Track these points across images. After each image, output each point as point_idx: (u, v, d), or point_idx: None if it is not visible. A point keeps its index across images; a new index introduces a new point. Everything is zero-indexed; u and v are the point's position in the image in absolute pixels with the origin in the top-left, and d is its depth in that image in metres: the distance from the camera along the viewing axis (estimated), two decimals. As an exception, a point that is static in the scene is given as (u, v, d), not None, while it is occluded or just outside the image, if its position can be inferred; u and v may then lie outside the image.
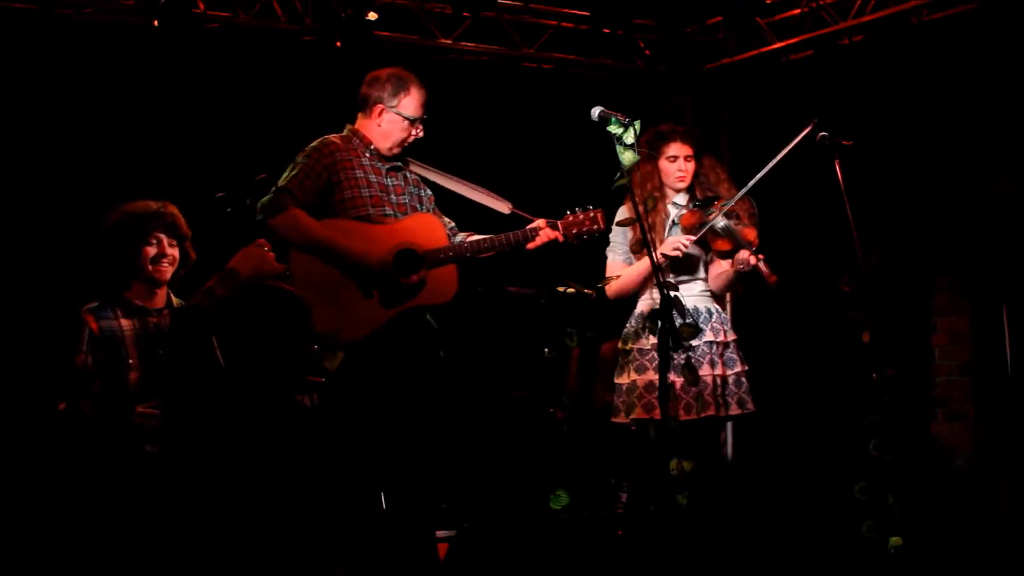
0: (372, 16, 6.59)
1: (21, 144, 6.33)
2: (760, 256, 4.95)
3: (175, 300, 4.69)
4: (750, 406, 5.14)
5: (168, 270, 4.56)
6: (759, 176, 5.01)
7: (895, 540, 4.71)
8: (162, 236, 4.54)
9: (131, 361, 4.45)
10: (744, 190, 5.06)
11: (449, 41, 7.16)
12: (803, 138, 4.97)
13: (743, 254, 4.97)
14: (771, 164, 4.99)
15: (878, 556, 4.74)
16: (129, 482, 4.31)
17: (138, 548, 4.27)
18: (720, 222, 5.00)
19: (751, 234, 5.02)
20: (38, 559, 4.45)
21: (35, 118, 6.36)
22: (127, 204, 4.59)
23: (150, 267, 4.52)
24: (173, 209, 4.61)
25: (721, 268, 5.14)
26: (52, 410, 4.43)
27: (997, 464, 6.47)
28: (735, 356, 5.16)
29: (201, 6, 6.51)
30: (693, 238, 5.03)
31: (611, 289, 5.20)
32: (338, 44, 6.65)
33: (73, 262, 5.74)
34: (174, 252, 4.56)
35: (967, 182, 6.62)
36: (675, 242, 5.02)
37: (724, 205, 5.03)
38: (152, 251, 4.52)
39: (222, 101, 6.68)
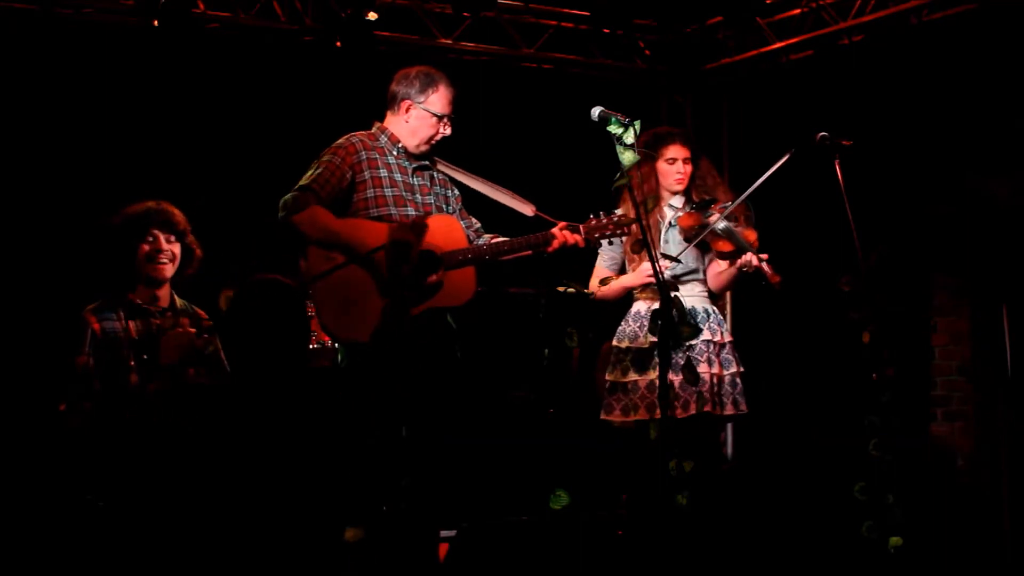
0: (372, 16, 6.59)
1: (21, 144, 6.33)
2: (764, 257, 4.95)
3: (179, 301, 4.69)
4: (743, 407, 5.14)
5: (167, 267, 4.55)
6: (757, 184, 5.00)
7: (895, 540, 4.71)
8: (158, 233, 4.54)
9: (132, 363, 4.45)
10: (743, 196, 5.04)
11: (449, 41, 7.16)
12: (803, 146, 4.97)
13: (747, 256, 4.97)
14: (770, 171, 4.99)
15: (878, 556, 4.74)
16: (129, 482, 4.31)
17: (138, 548, 4.27)
18: (720, 224, 5.00)
19: (752, 235, 5.02)
20: (38, 559, 4.45)
21: (35, 118, 6.37)
22: (125, 208, 4.59)
23: (147, 265, 4.52)
24: (168, 206, 4.60)
25: (720, 267, 5.14)
26: (53, 411, 4.44)
27: (997, 464, 6.47)
28: (731, 357, 5.16)
29: (201, 6, 6.51)
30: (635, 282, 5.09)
31: (597, 294, 5.22)
32: (338, 44, 6.65)
33: (75, 262, 5.75)
34: (172, 248, 4.56)
35: (967, 182, 6.62)
36: (644, 273, 5.07)
37: (726, 208, 5.03)
38: (147, 247, 4.52)
39: (222, 101, 6.69)
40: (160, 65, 6.55)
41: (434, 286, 4.57)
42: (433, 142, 4.76)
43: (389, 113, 4.79)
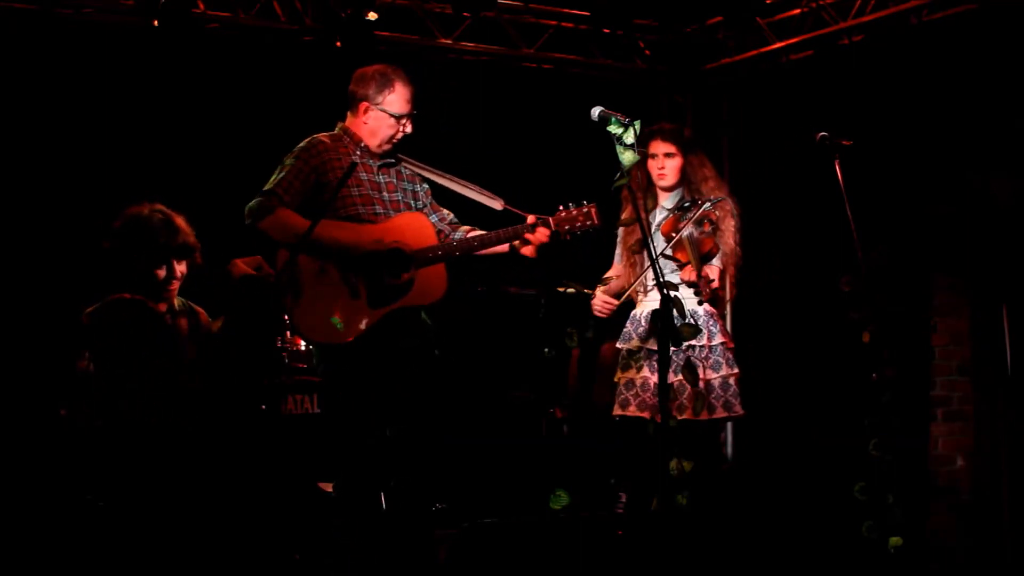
0: (372, 16, 6.59)
1: (22, 144, 6.33)
2: (706, 273, 4.88)
3: (177, 301, 4.69)
4: (738, 409, 5.09)
5: (175, 288, 4.59)
6: (693, 216, 4.98)
7: (895, 540, 4.71)
8: (174, 261, 4.54)
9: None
10: (692, 215, 4.98)
11: (449, 41, 7.16)
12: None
13: (687, 270, 4.91)
14: (697, 212, 5.00)
15: (878, 556, 4.74)
16: (129, 482, 4.31)
17: (138, 548, 4.27)
18: (686, 231, 4.95)
19: (708, 243, 4.96)
20: (38, 559, 4.46)
21: (35, 118, 6.37)
22: (137, 212, 4.56)
23: (158, 286, 4.53)
24: (182, 225, 4.59)
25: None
26: (53, 412, 4.44)
27: (997, 464, 6.46)
28: (721, 359, 5.11)
29: (201, 6, 6.51)
30: (616, 302, 5.14)
31: (608, 290, 5.22)
32: (338, 44, 6.65)
33: (75, 264, 5.75)
34: (182, 269, 4.58)
35: (967, 182, 6.62)
36: (600, 305, 5.13)
37: (697, 212, 4.98)
38: (163, 273, 4.53)
39: (222, 101, 6.69)
40: (160, 65, 6.55)
41: (405, 284, 4.55)
42: (394, 141, 4.74)
43: (349, 113, 4.77)
